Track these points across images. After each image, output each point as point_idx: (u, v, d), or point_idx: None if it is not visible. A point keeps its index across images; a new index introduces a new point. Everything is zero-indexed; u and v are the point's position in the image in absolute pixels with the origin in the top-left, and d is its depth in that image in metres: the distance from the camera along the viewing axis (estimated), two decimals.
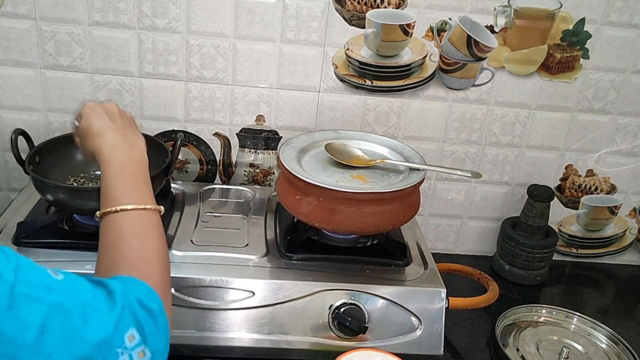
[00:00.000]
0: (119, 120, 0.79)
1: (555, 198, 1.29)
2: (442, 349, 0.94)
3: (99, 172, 1.04)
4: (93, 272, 0.87)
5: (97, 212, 0.68)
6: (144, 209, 0.68)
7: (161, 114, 1.19)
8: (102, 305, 0.54)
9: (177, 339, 0.89)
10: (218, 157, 1.24)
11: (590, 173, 1.29)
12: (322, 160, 1.04)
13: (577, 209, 1.33)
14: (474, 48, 1.15)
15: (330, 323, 0.91)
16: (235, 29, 1.12)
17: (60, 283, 0.53)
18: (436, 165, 1.23)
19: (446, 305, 0.94)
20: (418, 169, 1.01)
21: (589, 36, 1.16)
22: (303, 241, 1.00)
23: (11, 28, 1.10)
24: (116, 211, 0.66)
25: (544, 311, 1.15)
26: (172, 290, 0.89)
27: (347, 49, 1.15)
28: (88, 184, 1.06)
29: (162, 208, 0.71)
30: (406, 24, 1.13)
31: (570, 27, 1.15)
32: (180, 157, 1.23)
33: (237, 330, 0.90)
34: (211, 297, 0.90)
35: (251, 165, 1.26)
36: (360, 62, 1.16)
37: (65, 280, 0.53)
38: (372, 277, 0.96)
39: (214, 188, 1.20)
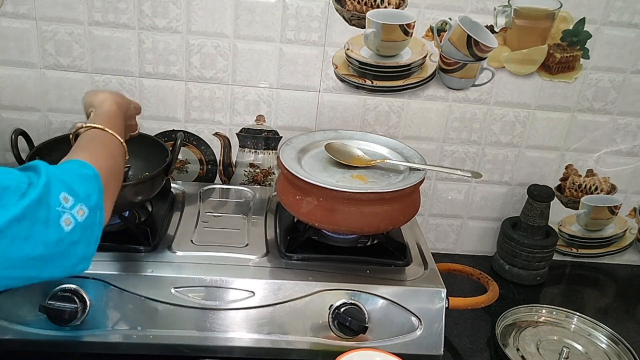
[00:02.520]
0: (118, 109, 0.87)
1: (555, 198, 1.29)
2: (442, 349, 0.94)
3: None
4: (93, 272, 0.88)
5: (82, 124, 0.80)
6: (93, 126, 0.79)
7: (161, 114, 1.19)
8: (20, 179, 0.60)
9: (177, 339, 0.89)
10: (218, 157, 1.24)
11: (590, 173, 1.29)
12: (322, 160, 1.04)
13: (577, 209, 1.33)
14: (474, 48, 1.15)
15: (330, 323, 0.91)
16: (235, 29, 1.12)
17: None
18: (436, 165, 1.23)
19: (446, 305, 0.94)
20: (418, 169, 1.01)
21: (589, 36, 1.16)
22: (303, 241, 1.00)
23: (11, 28, 1.10)
24: (77, 129, 0.79)
25: (544, 311, 1.15)
26: (172, 290, 0.89)
27: (347, 49, 1.15)
28: None
29: (106, 128, 0.80)
30: (406, 24, 1.13)
31: (570, 27, 1.15)
32: (180, 157, 1.23)
33: (237, 330, 0.90)
34: (211, 297, 0.90)
35: (251, 165, 1.26)
36: (360, 62, 1.16)
37: None
38: (372, 277, 0.96)
39: (214, 188, 1.20)
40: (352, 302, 0.91)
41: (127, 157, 0.82)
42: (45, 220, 0.59)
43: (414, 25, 1.14)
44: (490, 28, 1.15)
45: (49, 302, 0.85)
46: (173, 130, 1.21)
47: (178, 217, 1.08)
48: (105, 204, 0.68)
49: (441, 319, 0.94)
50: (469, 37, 1.14)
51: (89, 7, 1.09)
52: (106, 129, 0.79)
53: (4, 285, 0.61)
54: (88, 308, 0.87)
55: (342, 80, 1.18)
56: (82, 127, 0.79)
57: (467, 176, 1.05)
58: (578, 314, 1.14)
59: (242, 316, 0.90)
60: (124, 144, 0.80)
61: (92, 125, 0.79)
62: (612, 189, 1.31)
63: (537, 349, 1.06)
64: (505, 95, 1.20)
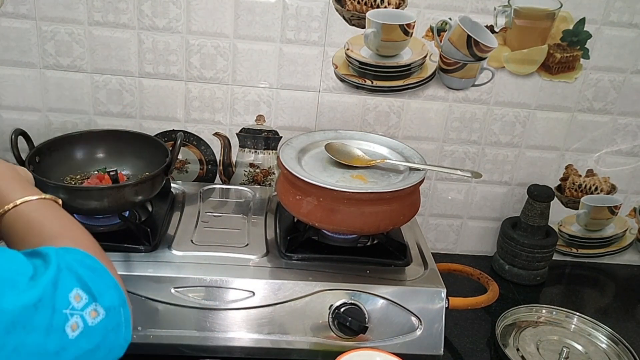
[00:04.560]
0: None
1: (555, 198, 1.29)
2: (442, 349, 0.94)
3: (99, 172, 1.05)
4: None
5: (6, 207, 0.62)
6: (44, 198, 0.64)
7: (161, 114, 1.19)
8: (23, 271, 0.49)
9: (177, 339, 0.89)
10: (218, 157, 1.24)
11: (590, 173, 1.29)
12: (322, 160, 1.04)
13: (577, 209, 1.33)
14: (474, 48, 1.15)
15: (330, 323, 0.91)
16: (235, 29, 1.12)
17: None
18: (436, 165, 1.23)
19: (446, 305, 0.94)
20: (418, 169, 1.01)
21: (589, 36, 1.16)
22: (303, 241, 1.00)
23: (11, 28, 1.10)
24: (15, 206, 0.62)
25: (544, 311, 1.15)
26: (172, 290, 0.89)
27: (347, 49, 1.15)
28: None
29: (59, 201, 0.67)
30: (406, 24, 1.13)
31: (571, 27, 1.15)
32: (180, 157, 1.23)
33: (237, 330, 0.90)
34: (211, 297, 0.90)
35: (251, 165, 1.26)
36: (360, 62, 1.16)
37: None
38: (372, 277, 0.96)
39: (214, 188, 1.20)
40: (352, 302, 0.91)
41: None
42: (47, 327, 0.48)
43: (414, 25, 1.14)
44: (490, 28, 1.15)
45: None
46: (173, 130, 1.21)
47: (178, 217, 1.08)
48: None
49: (441, 319, 0.94)
50: (469, 37, 1.14)
51: (89, 7, 1.09)
52: (46, 196, 0.65)
53: None
54: None
55: (342, 80, 1.18)
56: (10, 208, 0.62)
57: (467, 176, 1.05)
58: (578, 314, 1.14)
59: (242, 316, 0.90)
60: (60, 203, 0.67)
61: (45, 197, 0.64)
62: (612, 189, 1.31)
63: (537, 349, 1.06)
64: (505, 95, 1.20)
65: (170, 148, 1.03)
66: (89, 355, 0.51)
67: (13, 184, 0.66)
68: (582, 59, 1.18)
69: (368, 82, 1.18)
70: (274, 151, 1.24)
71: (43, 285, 0.48)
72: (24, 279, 0.48)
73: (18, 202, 0.62)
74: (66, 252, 0.55)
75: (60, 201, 0.67)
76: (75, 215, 1.00)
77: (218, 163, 1.25)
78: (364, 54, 1.16)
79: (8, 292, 0.46)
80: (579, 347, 1.08)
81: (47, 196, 0.65)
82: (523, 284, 1.26)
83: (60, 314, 0.49)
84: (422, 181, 0.99)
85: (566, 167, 1.28)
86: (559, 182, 1.30)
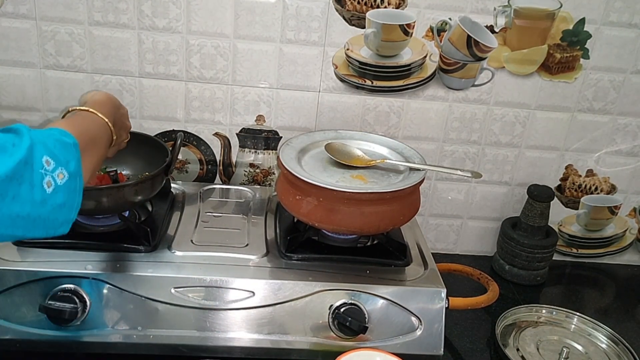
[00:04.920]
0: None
1: (555, 198, 1.29)
2: (442, 349, 0.94)
3: (99, 172, 1.05)
4: (93, 272, 0.88)
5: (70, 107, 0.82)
6: (81, 109, 0.81)
7: (161, 114, 1.19)
8: (5, 139, 0.61)
9: (177, 339, 0.89)
10: (218, 157, 1.24)
11: (590, 173, 1.29)
12: (322, 160, 1.04)
13: (577, 209, 1.33)
14: (474, 48, 1.15)
15: (330, 323, 0.91)
16: (235, 29, 1.12)
17: None
18: (436, 165, 1.23)
19: (446, 305, 0.94)
20: (418, 169, 1.01)
21: (589, 36, 1.16)
22: (303, 241, 1.00)
23: (11, 28, 1.10)
24: (81, 110, 0.81)
25: (544, 311, 1.15)
26: (172, 290, 0.89)
27: (347, 49, 1.15)
28: None
29: (90, 109, 0.81)
30: (406, 24, 1.13)
31: (570, 27, 1.15)
32: (180, 157, 1.23)
33: (237, 330, 0.90)
34: (211, 297, 0.90)
35: (251, 165, 1.26)
36: (360, 62, 1.16)
37: None
38: (372, 277, 0.96)
39: (214, 188, 1.20)
40: (352, 302, 0.91)
41: (115, 138, 0.84)
42: (30, 181, 0.62)
43: (414, 25, 1.14)
44: (490, 28, 1.15)
45: (49, 302, 0.85)
46: (173, 130, 1.21)
47: (178, 217, 1.08)
48: (84, 172, 0.70)
49: (441, 319, 0.94)
50: (469, 37, 1.14)
51: (89, 7, 1.09)
52: (92, 110, 0.81)
53: None
54: (88, 308, 0.87)
55: (342, 80, 1.18)
56: (70, 110, 0.81)
57: (467, 176, 1.05)
58: (578, 314, 1.14)
59: (242, 316, 0.90)
60: (110, 124, 0.82)
61: (80, 107, 0.81)
62: (612, 189, 1.31)
63: (537, 349, 1.06)
64: (505, 95, 1.20)
65: (170, 148, 1.03)
66: (59, 209, 0.66)
67: (90, 101, 0.85)
68: (582, 59, 1.18)
69: (368, 82, 1.18)
70: (274, 151, 1.24)
71: (25, 148, 0.61)
72: (9, 145, 0.61)
73: (70, 109, 0.82)
74: (41, 130, 0.68)
75: (91, 109, 0.81)
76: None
77: (218, 163, 1.25)
78: (364, 54, 1.16)
79: (3, 154, 0.59)
80: (579, 347, 1.08)
81: (83, 107, 0.82)
82: (523, 284, 1.26)
83: (38, 173, 0.62)
84: (422, 181, 0.99)
85: (566, 167, 1.28)
86: (559, 182, 1.30)
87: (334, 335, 0.91)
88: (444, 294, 0.94)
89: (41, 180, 0.63)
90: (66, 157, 0.67)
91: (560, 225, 1.34)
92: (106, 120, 0.82)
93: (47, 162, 0.64)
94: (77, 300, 0.86)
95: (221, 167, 1.25)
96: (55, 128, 0.70)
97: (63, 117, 0.81)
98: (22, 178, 0.61)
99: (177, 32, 1.12)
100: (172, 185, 1.17)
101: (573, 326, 1.13)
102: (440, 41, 1.15)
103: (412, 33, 1.14)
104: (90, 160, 0.74)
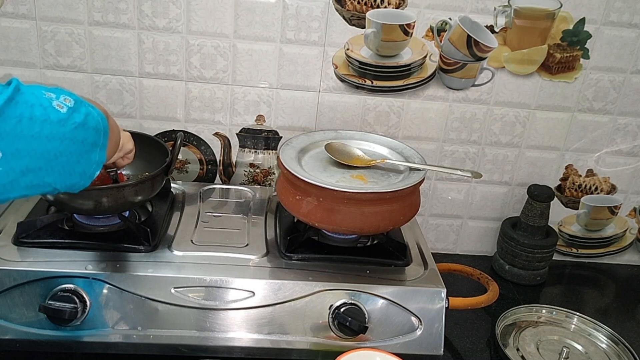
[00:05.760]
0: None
1: (555, 198, 1.29)
2: (442, 349, 0.94)
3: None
4: (93, 272, 0.88)
5: None
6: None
7: (161, 114, 1.19)
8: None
9: (177, 339, 0.89)
10: (218, 157, 1.24)
11: (590, 173, 1.29)
12: (322, 160, 1.04)
13: (577, 209, 1.33)
14: (474, 48, 1.15)
15: (330, 323, 0.91)
16: (235, 29, 1.12)
17: None
18: (436, 165, 1.23)
19: (446, 305, 0.94)
20: (418, 169, 1.01)
21: (589, 36, 1.16)
22: (303, 241, 1.00)
23: (11, 28, 1.10)
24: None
25: (544, 311, 1.15)
26: (172, 290, 0.89)
27: (347, 49, 1.15)
28: None
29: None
30: (406, 24, 1.13)
31: (570, 27, 1.15)
32: (180, 157, 1.23)
33: (237, 330, 0.90)
34: (211, 297, 0.90)
35: (251, 165, 1.26)
36: (360, 62, 1.16)
37: None
38: (372, 277, 0.96)
39: (214, 188, 1.20)
40: (352, 302, 0.91)
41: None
42: (40, 104, 0.63)
43: (414, 25, 1.14)
44: (490, 28, 1.15)
45: (49, 302, 0.85)
46: (173, 130, 1.21)
47: (178, 217, 1.08)
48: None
49: (441, 319, 0.94)
50: (469, 37, 1.14)
51: (89, 7, 1.09)
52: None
53: (25, 184, 0.63)
54: (88, 308, 0.87)
55: (342, 80, 1.18)
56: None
57: (467, 176, 1.05)
58: (578, 314, 1.14)
59: (242, 316, 0.90)
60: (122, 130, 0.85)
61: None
62: (612, 189, 1.31)
63: (537, 349, 1.06)
64: (505, 95, 1.20)
65: (170, 148, 1.03)
66: (83, 128, 0.67)
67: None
68: (582, 59, 1.18)
69: (368, 82, 1.18)
70: (274, 151, 1.24)
71: (12, 86, 0.62)
72: None
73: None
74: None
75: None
76: (75, 215, 1.00)
77: (218, 163, 1.25)
78: (364, 54, 1.16)
79: None
80: (579, 347, 1.08)
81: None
82: (523, 284, 1.26)
83: (43, 96, 0.64)
84: (422, 181, 0.99)
85: (566, 167, 1.28)
86: (559, 182, 1.30)
87: (334, 335, 0.91)
88: (444, 294, 0.95)
89: (50, 102, 0.64)
90: (62, 91, 0.68)
91: (560, 225, 1.34)
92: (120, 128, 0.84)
93: (48, 94, 0.65)
94: (77, 300, 0.86)
95: (221, 167, 1.25)
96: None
97: None
98: (28, 102, 0.62)
99: (177, 32, 1.12)
100: (172, 185, 1.17)
101: (573, 326, 1.13)
102: (440, 41, 1.15)
103: (412, 33, 1.14)
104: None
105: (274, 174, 1.27)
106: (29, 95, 0.63)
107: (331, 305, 0.91)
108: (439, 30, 1.14)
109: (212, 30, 1.12)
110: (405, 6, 1.12)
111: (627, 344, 1.06)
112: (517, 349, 1.05)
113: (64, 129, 0.65)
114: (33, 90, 0.64)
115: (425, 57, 1.17)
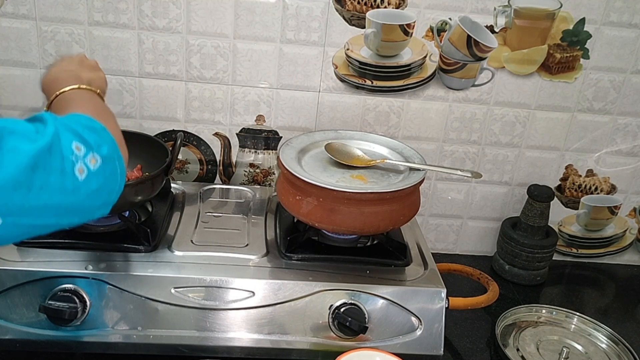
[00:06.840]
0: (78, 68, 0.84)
1: (555, 198, 1.29)
2: (442, 349, 0.94)
3: None
4: (93, 272, 0.88)
5: (45, 107, 0.78)
6: (86, 88, 0.79)
7: (161, 114, 1.19)
8: (28, 127, 0.59)
9: (177, 339, 0.89)
10: (218, 157, 1.24)
11: (590, 173, 1.29)
12: (322, 160, 1.04)
13: (577, 209, 1.33)
14: (474, 48, 1.15)
15: (330, 323, 0.91)
16: (235, 29, 1.12)
17: None
18: (436, 165, 1.23)
19: (446, 305, 0.94)
20: (418, 169, 1.01)
21: (589, 36, 1.16)
22: (303, 241, 1.00)
23: (11, 28, 1.10)
24: (63, 92, 0.77)
25: (544, 311, 1.15)
26: (172, 290, 0.89)
27: (347, 49, 1.15)
28: None
29: (98, 91, 0.80)
30: (406, 24, 1.13)
31: (570, 27, 1.15)
32: (180, 157, 1.23)
33: (237, 330, 0.90)
34: (211, 297, 0.90)
35: (251, 165, 1.26)
36: (360, 62, 1.16)
37: None
38: (372, 277, 0.96)
39: (214, 188, 1.20)
40: (352, 302, 0.91)
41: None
42: (62, 170, 0.59)
43: (414, 25, 1.14)
44: (490, 28, 1.15)
45: (49, 302, 0.85)
46: (173, 130, 1.21)
47: (178, 217, 1.08)
48: (120, 146, 0.68)
49: (441, 319, 0.94)
50: (469, 37, 1.14)
51: (89, 7, 1.09)
52: (83, 87, 0.78)
53: (24, 233, 0.61)
54: (88, 308, 0.87)
55: (342, 80, 1.18)
56: (57, 95, 0.77)
57: (467, 176, 1.05)
58: (578, 314, 1.14)
59: (242, 316, 0.90)
60: (98, 91, 0.81)
61: (62, 91, 0.77)
62: (612, 189, 1.31)
63: (537, 349, 1.06)
64: (505, 95, 1.20)
65: (170, 148, 1.03)
66: (95, 194, 0.63)
67: (70, 76, 0.80)
68: (582, 59, 1.18)
69: (368, 82, 1.18)
70: (274, 151, 1.24)
71: (49, 135, 0.58)
72: (32, 132, 0.58)
73: (66, 89, 0.77)
74: (65, 117, 0.65)
75: (98, 91, 0.80)
76: None
77: (218, 163, 1.25)
78: (364, 54, 1.16)
79: (24, 141, 0.56)
80: (579, 347, 1.08)
81: (88, 87, 0.79)
82: (523, 284, 1.26)
83: (68, 160, 0.60)
84: (422, 181, 0.99)
85: (566, 167, 1.28)
86: (559, 182, 1.30)
87: (334, 335, 0.91)
88: (444, 294, 0.95)
89: (72, 167, 0.60)
90: (97, 141, 0.64)
91: (560, 225, 1.34)
92: (97, 91, 0.80)
93: (78, 148, 0.61)
94: (77, 300, 0.86)
95: (221, 167, 1.25)
96: (81, 114, 0.68)
97: (48, 107, 0.78)
98: (50, 167, 0.58)
99: (177, 32, 1.12)
100: (172, 185, 1.17)
101: (573, 326, 1.13)
102: (440, 41, 1.15)
103: (412, 33, 1.14)
104: (116, 133, 0.72)
105: (274, 174, 1.27)
106: (62, 148, 0.59)
107: (331, 306, 0.91)
108: (439, 30, 1.14)
109: (212, 30, 1.12)
110: (405, 6, 1.12)
111: (627, 344, 1.06)
112: (517, 349, 1.05)
113: (74, 197, 0.61)
114: (67, 138, 0.60)
115: (425, 57, 1.17)
